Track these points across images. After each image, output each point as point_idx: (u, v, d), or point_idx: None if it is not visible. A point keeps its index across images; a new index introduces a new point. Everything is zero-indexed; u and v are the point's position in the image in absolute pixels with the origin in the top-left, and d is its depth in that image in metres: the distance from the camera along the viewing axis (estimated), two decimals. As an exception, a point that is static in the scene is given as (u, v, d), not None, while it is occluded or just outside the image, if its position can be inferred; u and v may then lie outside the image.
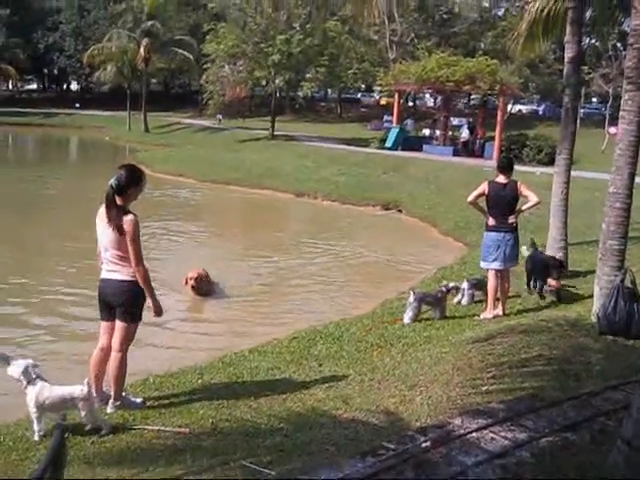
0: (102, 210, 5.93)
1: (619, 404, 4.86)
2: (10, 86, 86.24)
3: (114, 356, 6.07)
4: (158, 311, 6.06)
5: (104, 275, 6.08)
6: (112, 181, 5.86)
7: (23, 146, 53.00)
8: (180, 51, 53.60)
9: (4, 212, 19.21)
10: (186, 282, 11.17)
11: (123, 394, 6.16)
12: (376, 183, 25.92)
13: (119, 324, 6.05)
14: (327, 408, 5.89)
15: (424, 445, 4.11)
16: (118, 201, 5.83)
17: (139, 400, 6.25)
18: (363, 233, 19.41)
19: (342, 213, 22.50)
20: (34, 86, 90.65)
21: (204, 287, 11.33)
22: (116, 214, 5.82)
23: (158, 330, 9.14)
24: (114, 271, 5.96)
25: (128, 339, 6.12)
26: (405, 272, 14.05)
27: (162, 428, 5.59)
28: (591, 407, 4.88)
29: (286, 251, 15.82)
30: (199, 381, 6.99)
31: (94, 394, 5.67)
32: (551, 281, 9.76)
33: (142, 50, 51.72)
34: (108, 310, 6.12)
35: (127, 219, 5.80)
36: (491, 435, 4.30)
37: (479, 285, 10.07)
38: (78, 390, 5.46)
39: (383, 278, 13.66)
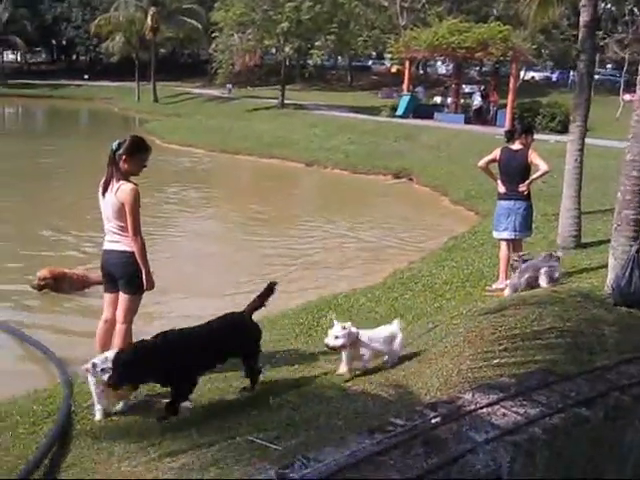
0: (103, 180, 5.86)
1: (634, 379, 4.71)
2: (18, 58, 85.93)
3: (119, 328, 6.02)
4: (150, 285, 5.93)
5: (106, 246, 6.01)
6: (114, 144, 5.79)
7: (33, 118, 52.78)
8: (188, 20, 53.31)
9: (16, 184, 19.17)
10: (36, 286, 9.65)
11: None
12: (387, 152, 25.69)
13: (122, 296, 5.99)
14: (336, 381, 5.80)
15: (434, 421, 4.00)
16: (119, 167, 5.76)
17: None
18: (374, 202, 19.32)
19: (352, 182, 22.37)
20: (43, 57, 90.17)
21: (61, 286, 9.81)
22: (115, 180, 5.74)
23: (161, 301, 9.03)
24: (115, 242, 5.89)
25: (132, 311, 6.06)
26: (416, 242, 13.93)
27: (163, 400, 5.48)
28: (605, 381, 4.73)
29: (296, 223, 15.77)
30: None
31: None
32: None
33: (149, 19, 51.42)
34: (111, 282, 6.06)
35: (125, 188, 5.71)
36: (502, 410, 4.17)
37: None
38: None
39: (394, 248, 13.53)
